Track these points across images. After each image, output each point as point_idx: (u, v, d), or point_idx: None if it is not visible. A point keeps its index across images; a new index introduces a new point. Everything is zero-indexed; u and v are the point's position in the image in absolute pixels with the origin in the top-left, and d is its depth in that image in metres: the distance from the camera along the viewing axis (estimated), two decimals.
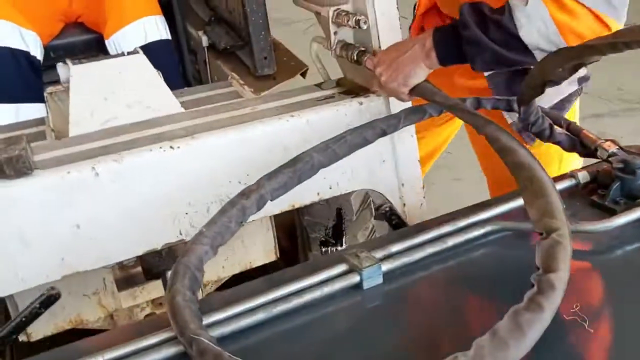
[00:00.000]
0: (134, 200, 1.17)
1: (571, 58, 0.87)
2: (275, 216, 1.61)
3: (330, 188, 1.35)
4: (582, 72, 1.44)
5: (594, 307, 0.80)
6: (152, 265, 1.49)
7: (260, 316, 0.81)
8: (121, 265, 1.44)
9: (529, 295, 0.73)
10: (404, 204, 1.43)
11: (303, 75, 1.84)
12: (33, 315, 0.92)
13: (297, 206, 1.33)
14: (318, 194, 1.34)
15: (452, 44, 1.19)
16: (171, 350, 0.76)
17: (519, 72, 1.34)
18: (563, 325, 0.75)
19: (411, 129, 1.39)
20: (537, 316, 0.71)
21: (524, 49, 1.12)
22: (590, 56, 0.85)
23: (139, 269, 1.56)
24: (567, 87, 1.47)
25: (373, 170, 1.38)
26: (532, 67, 1.10)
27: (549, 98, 1.44)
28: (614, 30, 1.10)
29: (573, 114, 1.54)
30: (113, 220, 1.16)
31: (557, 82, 0.95)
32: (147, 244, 1.21)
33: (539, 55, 1.10)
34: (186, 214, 1.22)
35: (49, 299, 0.93)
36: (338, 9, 1.36)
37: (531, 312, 0.71)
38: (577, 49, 0.86)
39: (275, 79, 1.75)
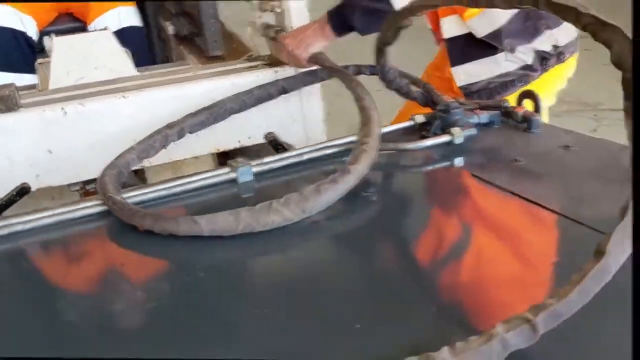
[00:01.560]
0: (93, 135, 1.55)
1: (391, 23, 1.24)
2: None
3: (249, 138, 1.72)
4: (526, 58, 1.69)
5: (387, 190, 1.17)
6: None
7: (163, 193, 1.18)
8: (87, 192, 1.81)
9: (332, 176, 1.10)
10: None
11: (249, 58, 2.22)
12: (10, 201, 1.30)
13: (221, 149, 1.70)
14: (239, 141, 1.71)
15: (341, 17, 1.58)
16: (96, 209, 1.13)
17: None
18: (360, 200, 1.12)
19: (317, 93, 1.77)
20: (332, 186, 1.07)
21: None
22: (400, 21, 1.21)
23: None
24: (505, 62, 1.71)
25: (285, 127, 1.75)
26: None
27: (488, 68, 1.72)
28: None
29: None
30: (76, 148, 1.54)
31: (390, 43, 1.32)
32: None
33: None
34: None
35: (22, 190, 1.30)
36: None
37: (329, 183, 1.07)
38: (393, 14, 1.23)
39: (224, 59, 2.13)
